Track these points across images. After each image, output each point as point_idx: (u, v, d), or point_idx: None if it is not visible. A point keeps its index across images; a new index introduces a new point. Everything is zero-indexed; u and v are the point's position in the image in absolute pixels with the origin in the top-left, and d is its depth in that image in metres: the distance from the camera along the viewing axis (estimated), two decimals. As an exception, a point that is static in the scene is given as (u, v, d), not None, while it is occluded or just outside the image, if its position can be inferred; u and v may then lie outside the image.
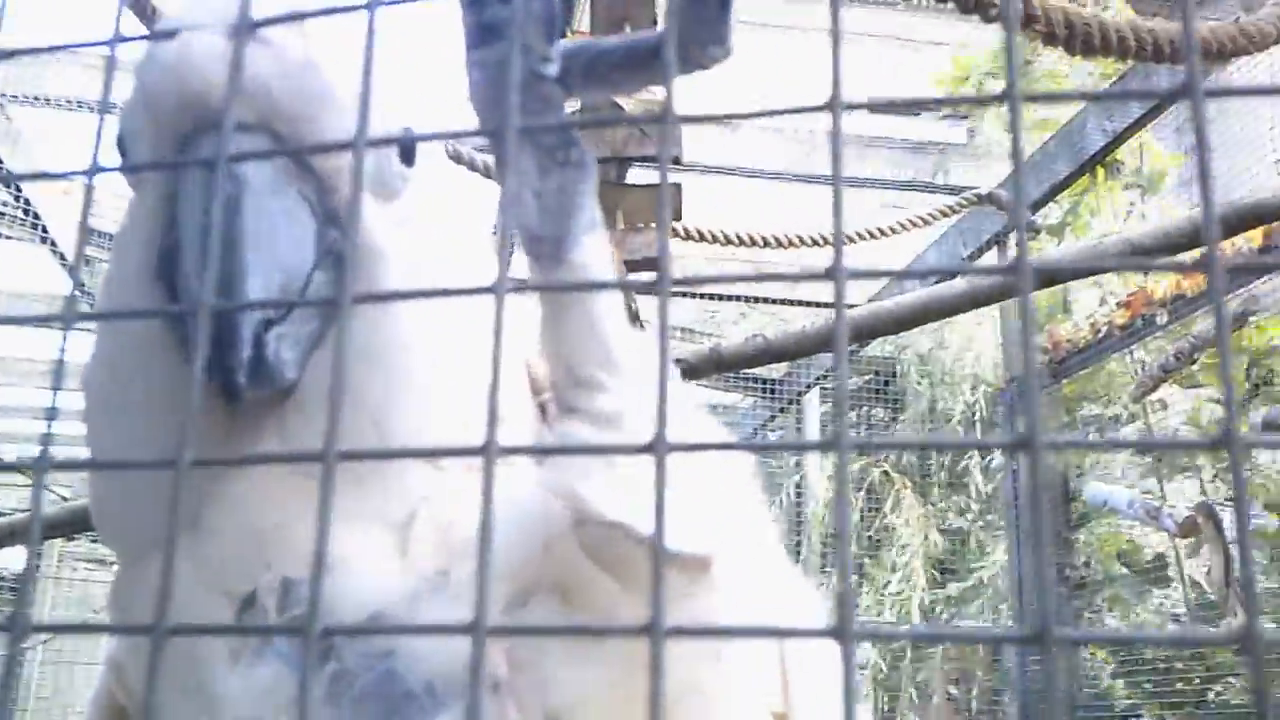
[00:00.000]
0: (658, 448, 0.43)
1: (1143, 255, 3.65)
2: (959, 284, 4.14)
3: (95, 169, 0.60)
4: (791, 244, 5.39)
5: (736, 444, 0.95)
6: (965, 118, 6.95)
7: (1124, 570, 5.58)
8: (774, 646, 0.95)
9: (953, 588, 7.07)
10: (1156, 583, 5.66)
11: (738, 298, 6.53)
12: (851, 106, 0.45)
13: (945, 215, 5.83)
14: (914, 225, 5.96)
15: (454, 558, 0.86)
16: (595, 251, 0.83)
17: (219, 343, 0.77)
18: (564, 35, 0.72)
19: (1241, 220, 3.52)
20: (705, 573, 0.80)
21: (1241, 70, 3.69)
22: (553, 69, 0.73)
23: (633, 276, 3.11)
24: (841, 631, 0.39)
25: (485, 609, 0.43)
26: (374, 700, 0.84)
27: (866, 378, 7.70)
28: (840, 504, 0.40)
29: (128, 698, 1.02)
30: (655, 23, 3.08)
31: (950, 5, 2.62)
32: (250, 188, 0.79)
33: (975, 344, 7.25)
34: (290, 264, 0.83)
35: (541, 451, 0.83)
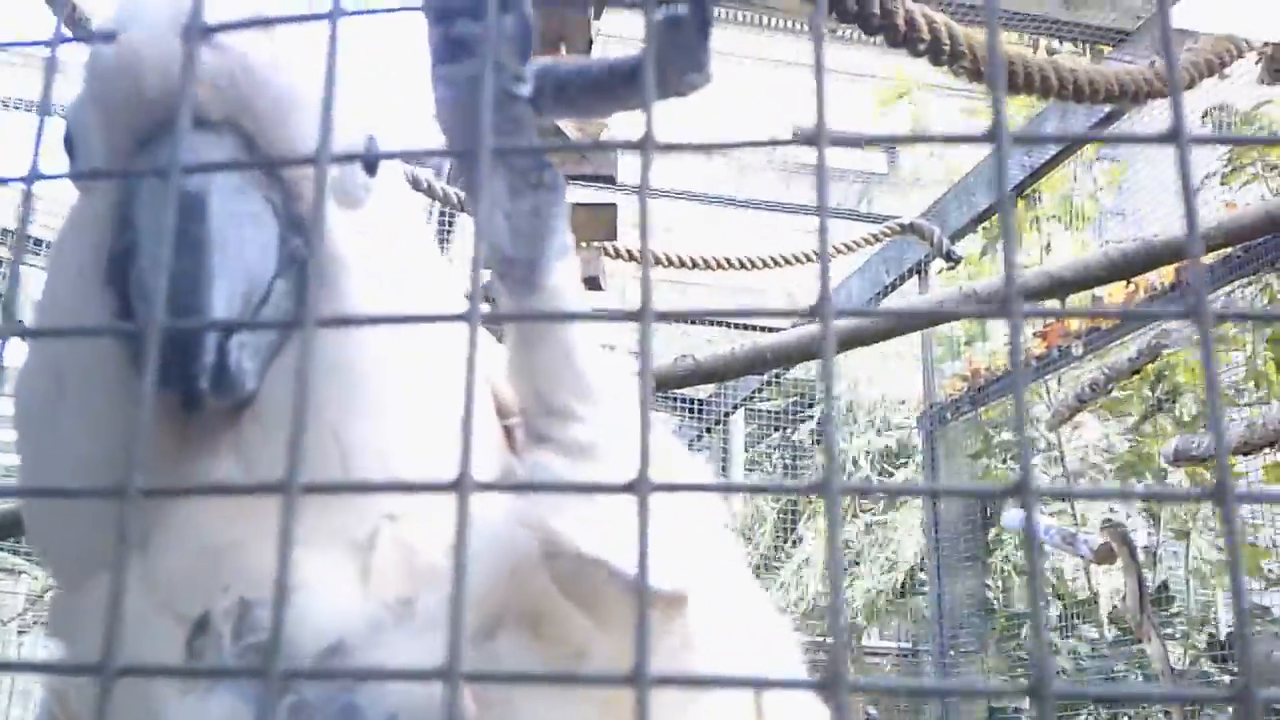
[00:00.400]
0: (639, 487, 0.42)
1: (1064, 287, 3.75)
2: (917, 304, 4.21)
3: (35, 175, 0.57)
4: (721, 266, 5.44)
5: (720, 485, 0.93)
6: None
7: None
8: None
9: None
10: (1081, 614, 5.79)
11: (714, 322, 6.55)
12: (838, 142, 0.45)
13: (869, 243, 5.94)
14: (837, 252, 6.07)
15: (419, 583, 0.82)
16: (568, 276, 0.81)
17: (180, 349, 0.74)
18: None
19: (1155, 258, 3.65)
20: (681, 609, 0.78)
21: (1156, 113, 3.82)
22: (525, 89, 0.71)
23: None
24: (834, 683, 0.39)
25: (459, 651, 0.42)
26: None
27: (792, 399, 7.79)
28: (833, 550, 0.39)
29: None
30: (590, 44, 3.08)
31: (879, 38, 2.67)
32: (215, 188, 0.75)
33: (890, 367, 7.39)
34: (254, 271, 0.79)
35: (519, 488, 0.81)
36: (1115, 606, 4.85)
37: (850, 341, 4.40)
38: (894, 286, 6.20)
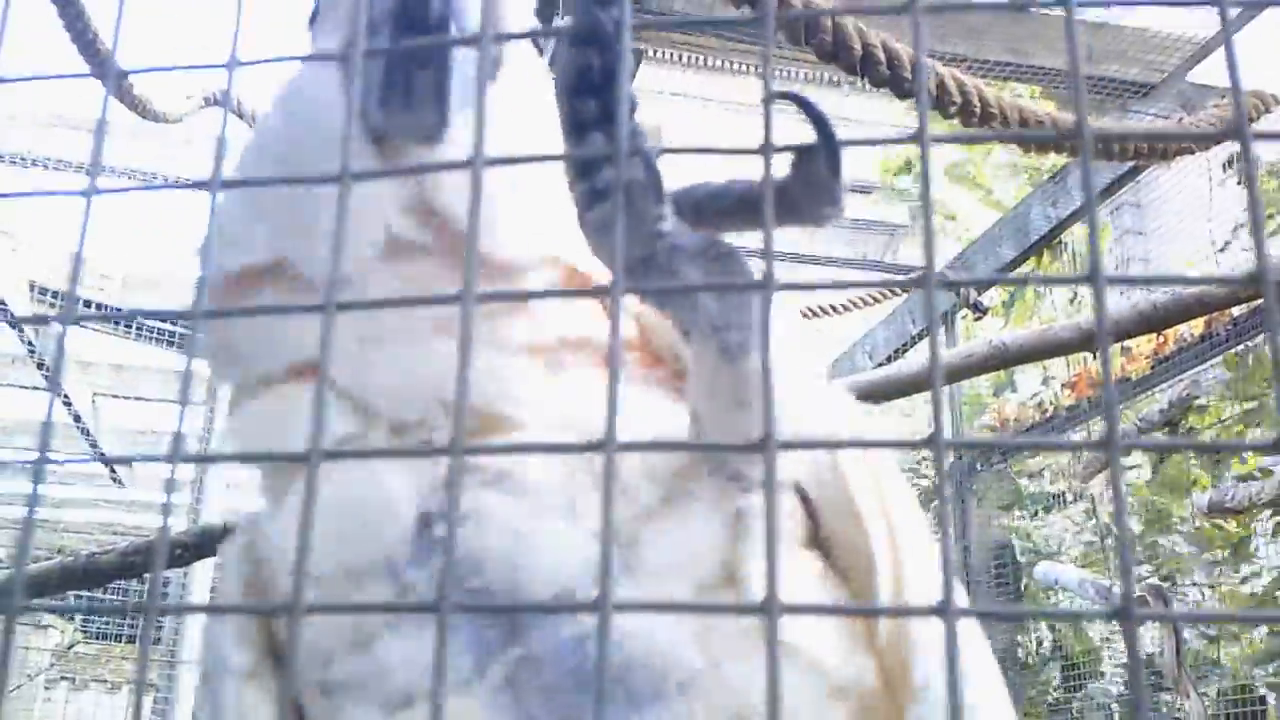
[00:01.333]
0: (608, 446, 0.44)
1: (1094, 341, 3.74)
2: (918, 362, 4.22)
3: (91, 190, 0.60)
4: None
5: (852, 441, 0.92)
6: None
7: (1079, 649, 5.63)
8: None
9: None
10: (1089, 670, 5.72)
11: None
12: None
13: (895, 294, 5.96)
14: (864, 304, 6.09)
15: (637, 519, 0.82)
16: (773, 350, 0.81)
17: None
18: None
19: (1186, 310, 3.64)
20: None
21: (1182, 166, 3.84)
22: (668, 224, 0.72)
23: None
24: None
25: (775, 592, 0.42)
26: (565, 693, 0.78)
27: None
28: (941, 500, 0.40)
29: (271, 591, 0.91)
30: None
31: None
32: None
33: (920, 417, 7.36)
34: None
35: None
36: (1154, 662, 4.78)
37: (879, 394, 4.40)
38: (920, 336, 6.21)
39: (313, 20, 0.97)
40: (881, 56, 2.36)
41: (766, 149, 0.51)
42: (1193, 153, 2.97)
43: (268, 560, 0.91)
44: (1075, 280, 0.45)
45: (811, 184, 0.62)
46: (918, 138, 0.51)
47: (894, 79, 2.42)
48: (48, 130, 5.90)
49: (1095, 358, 4.01)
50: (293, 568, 0.77)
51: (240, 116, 4.86)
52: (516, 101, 0.91)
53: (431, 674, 0.42)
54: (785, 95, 0.56)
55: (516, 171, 0.78)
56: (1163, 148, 2.89)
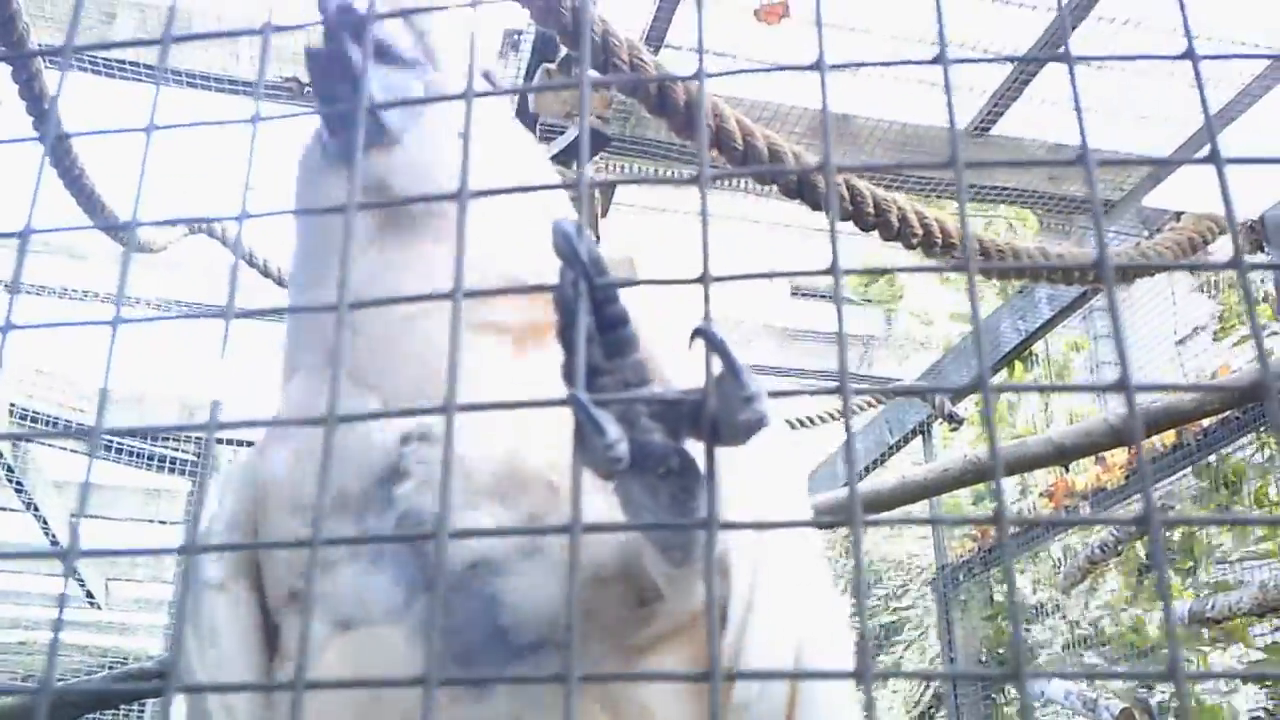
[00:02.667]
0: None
1: (1066, 454, 3.81)
2: (892, 479, 4.26)
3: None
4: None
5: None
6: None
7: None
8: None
9: None
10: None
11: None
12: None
13: (871, 406, 6.02)
14: (839, 415, 6.14)
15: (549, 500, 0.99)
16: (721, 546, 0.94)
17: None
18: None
19: (1155, 423, 3.71)
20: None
21: (1144, 286, 3.95)
22: (622, 450, 0.73)
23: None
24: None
25: None
26: (466, 634, 0.97)
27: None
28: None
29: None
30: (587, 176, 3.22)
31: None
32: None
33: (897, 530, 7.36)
34: None
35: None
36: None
37: (865, 508, 4.42)
38: (898, 447, 6.25)
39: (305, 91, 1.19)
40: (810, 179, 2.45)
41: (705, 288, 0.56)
42: (1152, 275, 3.06)
43: (266, 481, 1.12)
44: (1107, 388, 0.49)
45: (726, 398, 0.68)
46: (831, 270, 0.57)
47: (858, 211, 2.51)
48: (32, 257, 5.96)
49: (1068, 470, 4.06)
50: (286, 491, 1.06)
51: (224, 243, 4.95)
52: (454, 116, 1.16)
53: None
54: (698, 333, 0.64)
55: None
56: (1122, 272, 2.99)
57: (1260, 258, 3.68)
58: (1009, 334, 5.24)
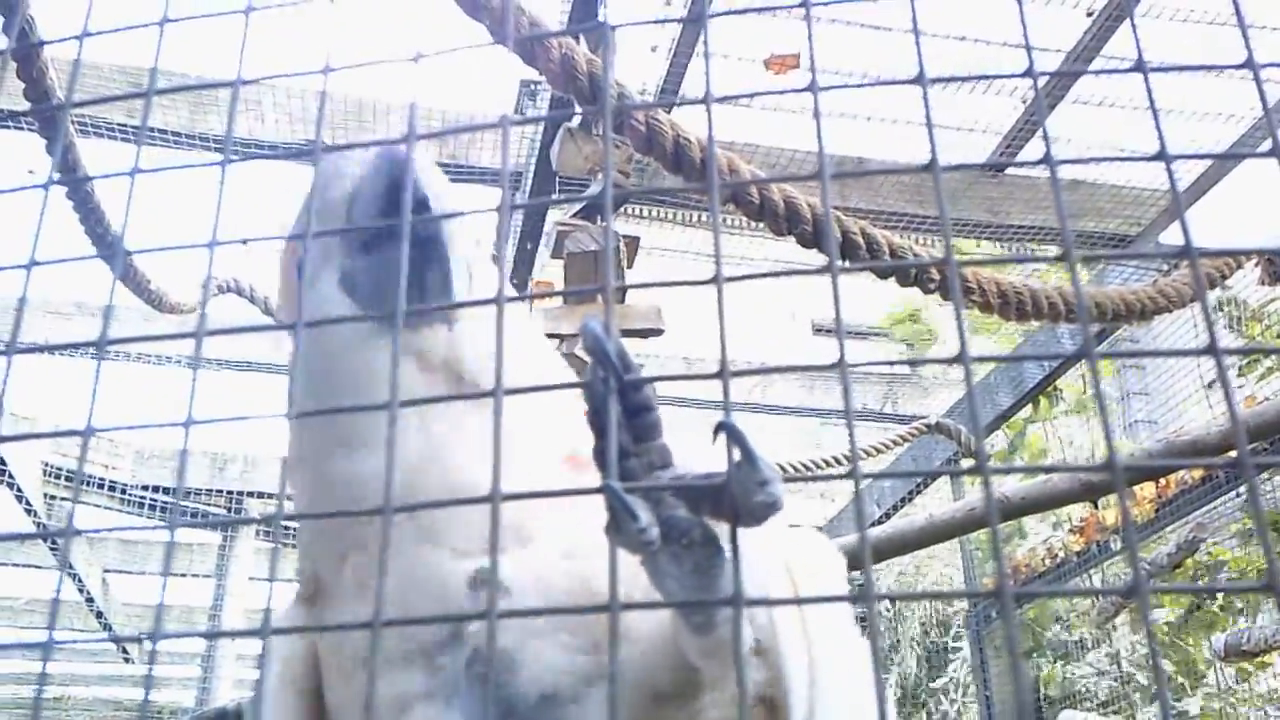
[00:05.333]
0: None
1: (1096, 492, 3.80)
2: (949, 511, 4.26)
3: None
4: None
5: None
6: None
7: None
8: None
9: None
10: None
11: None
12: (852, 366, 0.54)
13: (897, 444, 6.02)
14: (867, 454, 6.14)
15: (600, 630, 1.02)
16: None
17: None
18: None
19: (1181, 455, 3.70)
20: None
21: (1161, 327, 3.96)
22: (653, 534, 0.80)
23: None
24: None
25: None
26: None
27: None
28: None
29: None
30: (623, 295, 3.27)
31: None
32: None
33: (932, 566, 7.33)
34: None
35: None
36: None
37: (891, 549, 4.43)
38: (926, 484, 6.25)
39: (302, 275, 1.15)
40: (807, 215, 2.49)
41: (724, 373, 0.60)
42: (1170, 310, 3.08)
43: (338, 598, 1.14)
44: (1094, 469, 0.50)
45: (741, 481, 0.72)
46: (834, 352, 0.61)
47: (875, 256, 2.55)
48: (66, 319, 6.08)
49: (1098, 505, 4.05)
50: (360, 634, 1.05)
51: (251, 300, 5.04)
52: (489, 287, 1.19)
53: None
54: (720, 427, 0.67)
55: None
56: (1141, 308, 3.01)
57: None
58: (1032, 370, 5.24)
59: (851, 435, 0.64)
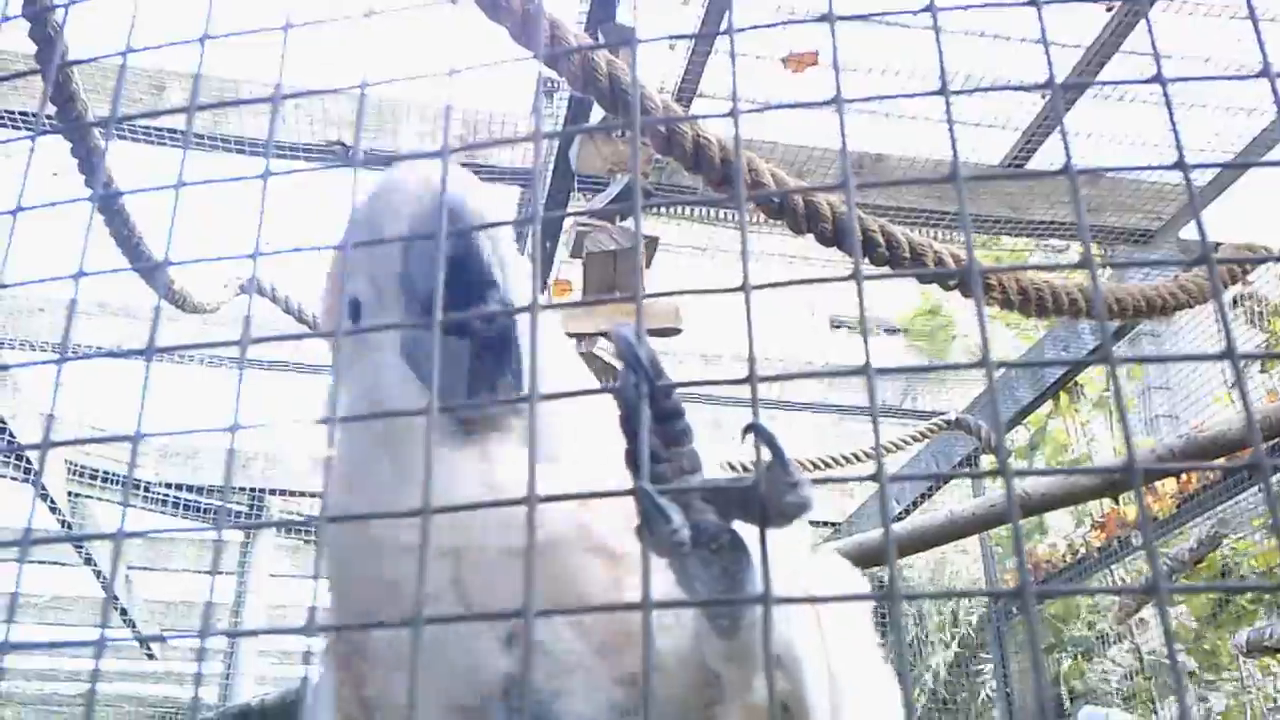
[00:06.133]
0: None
1: (1118, 488, 3.79)
2: (970, 507, 4.26)
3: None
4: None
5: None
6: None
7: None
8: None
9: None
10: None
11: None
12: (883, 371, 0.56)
13: (917, 440, 6.02)
14: (887, 450, 6.14)
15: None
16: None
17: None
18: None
19: (1202, 451, 3.70)
20: None
21: (1183, 321, 3.94)
22: (685, 535, 0.82)
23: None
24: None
25: None
26: None
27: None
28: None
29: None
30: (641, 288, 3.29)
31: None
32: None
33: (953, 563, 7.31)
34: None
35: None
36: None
37: (912, 545, 4.43)
38: (945, 480, 6.23)
39: (354, 314, 1.10)
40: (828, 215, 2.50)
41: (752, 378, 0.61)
42: (1191, 306, 3.07)
43: (375, 663, 1.15)
44: (1113, 469, 0.52)
45: (775, 484, 0.74)
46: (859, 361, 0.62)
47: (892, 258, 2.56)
48: (89, 318, 6.14)
49: (1119, 501, 4.05)
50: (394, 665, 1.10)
51: (274, 300, 5.08)
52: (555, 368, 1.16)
53: None
54: (750, 428, 0.68)
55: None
56: (1162, 304, 3.00)
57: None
58: (1052, 366, 5.23)
59: (877, 436, 0.65)
